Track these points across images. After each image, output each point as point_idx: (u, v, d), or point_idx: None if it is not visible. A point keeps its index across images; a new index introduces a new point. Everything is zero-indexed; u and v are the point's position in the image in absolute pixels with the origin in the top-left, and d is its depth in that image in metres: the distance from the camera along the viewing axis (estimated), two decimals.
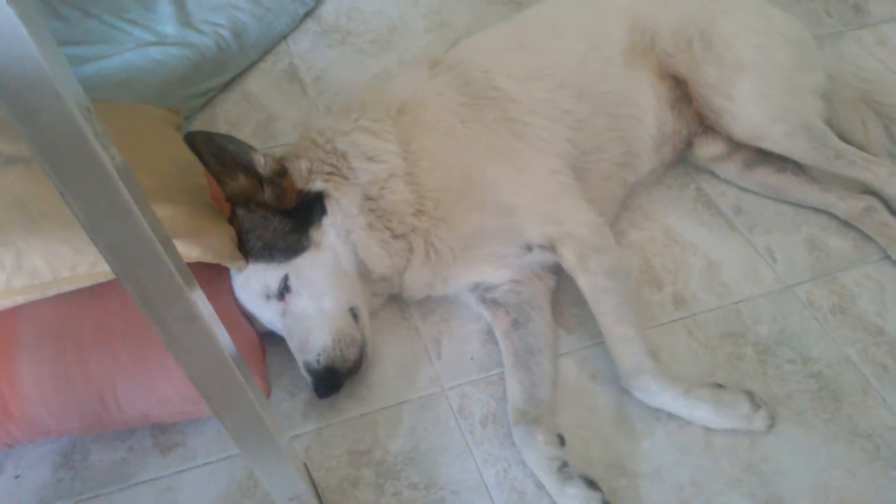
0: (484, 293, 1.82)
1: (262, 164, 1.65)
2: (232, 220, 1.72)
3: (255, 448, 1.17)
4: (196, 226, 1.59)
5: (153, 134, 1.95)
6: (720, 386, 1.64)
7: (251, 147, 1.65)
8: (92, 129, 0.76)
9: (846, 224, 2.05)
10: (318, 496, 1.41)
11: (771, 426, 1.62)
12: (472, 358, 1.79)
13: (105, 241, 0.85)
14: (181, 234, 1.52)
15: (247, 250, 1.65)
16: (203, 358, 1.00)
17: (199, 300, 0.96)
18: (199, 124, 2.37)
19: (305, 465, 1.47)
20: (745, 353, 1.77)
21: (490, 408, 1.69)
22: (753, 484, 1.56)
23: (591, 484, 1.50)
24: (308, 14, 2.82)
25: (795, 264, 1.97)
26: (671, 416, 1.63)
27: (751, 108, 1.98)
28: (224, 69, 2.52)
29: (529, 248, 1.76)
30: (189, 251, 1.51)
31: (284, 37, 2.73)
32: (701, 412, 1.61)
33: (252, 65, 2.62)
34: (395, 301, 1.88)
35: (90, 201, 0.80)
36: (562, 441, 1.58)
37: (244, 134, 2.35)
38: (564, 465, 1.52)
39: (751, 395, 1.62)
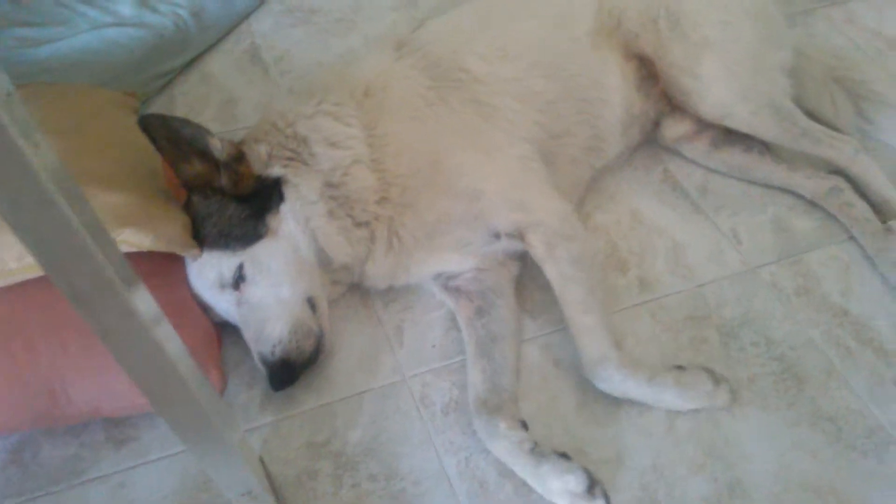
0: (447, 281, 1.79)
1: (218, 148, 1.60)
2: (188, 206, 1.67)
3: (201, 446, 1.13)
4: (149, 213, 1.55)
5: (107, 118, 1.90)
6: (681, 368, 1.63)
7: (207, 131, 1.60)
8: (9, 114, 0.72)
9: (812, 205, 2.04)
10: (274, 490, 1.38)
11: (732, 400, 1.63)
12: (433, 346, 1.76)
13: (29, 235, 0.81)
14: (133, 221, 1.48)
15: (202, 238, 1.61)
16: (141, 355, 0.96)
17: (137, 295, 0.92)
18: (157, 107, 2.31)
19: (261, 459, 1.44)
20: (709, 337, 1.76)
21: (452, 396, 1.67)
22: (716, 468, 1.55)
23: (566, 457, 1.48)
24: None
25: (761, 246, 1.96)
26: (633, 401, 1.61)
27: (717, 87, 1.96)
28: (183, 50, 2.46)
29: (497, 235, 1.73)
30: (141, 240, 1.48)
31: (246, 16, 2.67)
32: (666, 397, 1.60)
33: (212, 45, 2.55)
34: (356, 289, 1.84)
35: (8, 193, 0.76)
36: (524, 427, 1.56)
37: (204, 117, 2.30)
38: (535, 445, 1.50)
39: (710, 372, 1.63)
